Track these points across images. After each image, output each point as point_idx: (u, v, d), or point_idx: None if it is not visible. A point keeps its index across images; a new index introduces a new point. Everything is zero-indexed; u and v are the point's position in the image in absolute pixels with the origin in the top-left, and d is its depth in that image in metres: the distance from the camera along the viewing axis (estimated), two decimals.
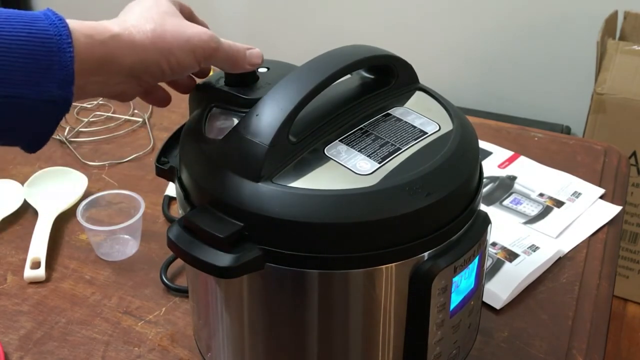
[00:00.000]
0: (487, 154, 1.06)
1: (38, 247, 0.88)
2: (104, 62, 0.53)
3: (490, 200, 0.97)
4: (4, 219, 0.94)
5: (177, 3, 0.60)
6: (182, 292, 0.83)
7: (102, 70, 0.53)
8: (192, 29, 0.57)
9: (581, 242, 0.90)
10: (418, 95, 0.67)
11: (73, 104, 0.52)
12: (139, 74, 0.55)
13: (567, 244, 0.90)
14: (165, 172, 0.65)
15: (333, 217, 0.53)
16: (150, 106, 1.19)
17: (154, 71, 0.56)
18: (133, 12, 0.57)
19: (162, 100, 0.66)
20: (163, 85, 0.65)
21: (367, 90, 0.65)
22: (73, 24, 0.51)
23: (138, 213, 0.87)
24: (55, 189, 0.97)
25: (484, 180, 0.66)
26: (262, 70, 0.65)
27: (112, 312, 0.81)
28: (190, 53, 0.56)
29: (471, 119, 0.68)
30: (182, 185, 0.60)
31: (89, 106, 1.19)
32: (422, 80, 0.68)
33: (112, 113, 1.17)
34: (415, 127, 0.62)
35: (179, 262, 0.86)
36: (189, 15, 0.62)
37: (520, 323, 0.79)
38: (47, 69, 0.49)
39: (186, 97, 0.67)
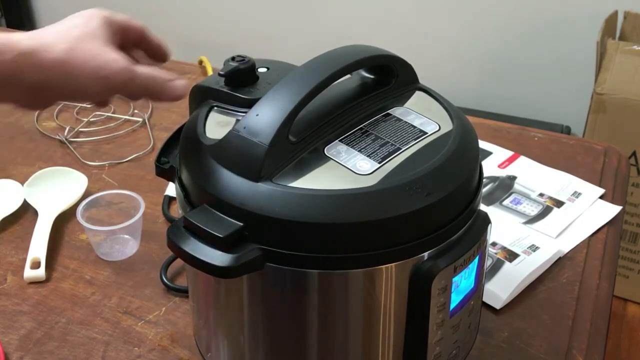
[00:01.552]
0: (487, 154, 1.06)
1: (38, 247, 0.88)
2: (8, 78, 0.53)
3: (490, 200, 0.97)
4: (4, 219, 0.94)
5: (117, 25, 0.59)
6: (182, 292, 0.83)
7: (6, 84, 0.53)
8: (105, 57, 0.56)
9: (581, 242, 0.90)
10: (418, 95, 0.67)
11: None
12: (44, 92, 0.55)
13: (567, 244, 0.89)
14: (165, 172, 0.65)
15: (333, 217, 0.53)
16: (150, 106, 1.19)
17: (59, 92, 0.55)
18: (57, 27, 0.56)
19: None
20: None
21: (367, 90, 0.65)
22: None
23: (138, 213, 0.87)
24: (55, 189, 0.97)
25: (484, 180, 0.66)
26: (262, 70, 0.66)
27: (112, 312, 0.81)
28: (98, 81, 0.55)
29: (471, 119, 0.68)
30: (182, 185, 0.60)
31: (89, 106, 1.19)
32: (422, 80, 0.68)
33: (112, 113, 1.17)
34: (415, 127, 0.62)
35: (179, 262, 0.86)
36: (140, 37, 0.61)
37: (520, 323, 0.79)
38: None
39: (186, 97, 0.67)
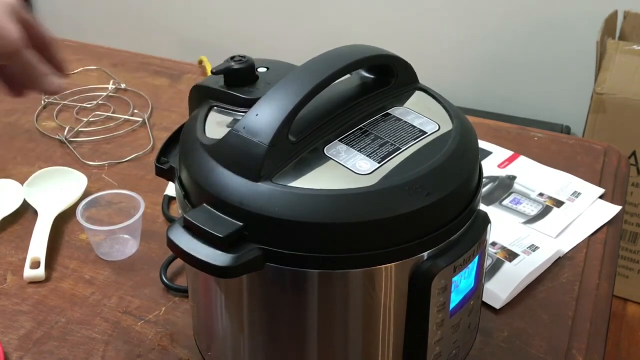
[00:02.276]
0: (487, 154, 1.06)
1: (38, 247, 0.88)
2: None
3: (490, 200, 0.97)
4: (4, 219, 0.94)
5: (22, 17, 0.61)
6: (182, 292, 0.83)
7: None
8: (3, 22, 0.58)
9: (581, 242, 0.90)
10: (418, 95, 0.67)
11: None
12: None
13: (567, 244, 0.89)
14: (165, 172, 0.65)
15: (333, 217, 0.53)
16: (150, 106, 1.19)
17: None
18: None
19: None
20: None
21: (367, 90, 0.65)
22: None
23: (138, 213, 0.87)
24: (55, 189, 0.97)
25: (484, 180, 0.66)
26: (262, 70, 0.66)
27: (112, 312, 0.81)
28: None
29: (471, 119, 0.68)
30: (182, 185, 0.61)
31: (89, 106, 1.19)
32: (422, 80, 0.68)
33: (112, 113, 1.17)
34: (415, 127, 0.62)
35: (179, 262, 0.86)
36: (43, 45, 0.63)
37: (520, 323, 0.79)
38: None
39: (186, 97, 0.67)
